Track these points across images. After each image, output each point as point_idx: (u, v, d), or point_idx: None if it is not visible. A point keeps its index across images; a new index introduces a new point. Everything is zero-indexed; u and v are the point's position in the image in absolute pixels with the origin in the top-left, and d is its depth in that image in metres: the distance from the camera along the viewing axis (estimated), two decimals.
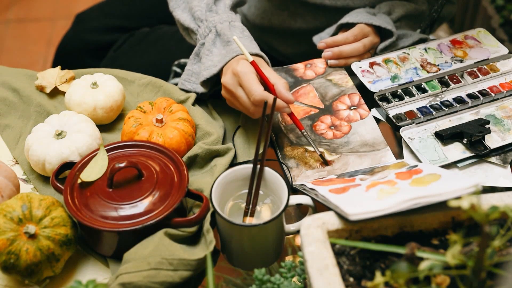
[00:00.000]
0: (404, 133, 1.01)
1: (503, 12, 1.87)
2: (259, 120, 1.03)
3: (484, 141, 0.97)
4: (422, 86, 1.07)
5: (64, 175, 0.93)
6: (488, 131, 0.98)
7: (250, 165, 0.89)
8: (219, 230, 0.88)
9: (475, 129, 0.97)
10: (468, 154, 0.96)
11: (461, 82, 1.08)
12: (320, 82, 1.11)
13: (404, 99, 1.06)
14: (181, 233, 0.86)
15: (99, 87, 1.05)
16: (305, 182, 0.94)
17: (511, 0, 1.89)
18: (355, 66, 1.11)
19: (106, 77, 1.07)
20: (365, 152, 1.00)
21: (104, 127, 1.06)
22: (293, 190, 0.95)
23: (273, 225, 0.83)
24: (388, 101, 1.06)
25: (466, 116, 1.03)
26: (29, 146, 0.96)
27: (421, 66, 1.11)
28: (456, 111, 1.04)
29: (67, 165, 0.92)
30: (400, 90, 1.07)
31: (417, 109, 1.04)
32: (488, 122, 1.00)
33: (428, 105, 1.05)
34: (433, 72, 1.09)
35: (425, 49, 1.13)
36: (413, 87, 1.07)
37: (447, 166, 0.95)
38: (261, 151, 0.88)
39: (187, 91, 1.09)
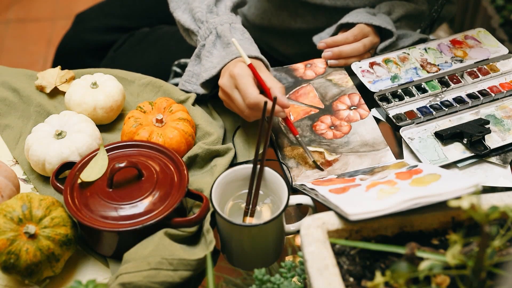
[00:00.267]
0: (404, 133, 1.01)
1: (503, 12, 1.87)
2: (259, 121, 1.03)
3: (484, 141, 0.97)
4: (422, 86, 1.07)
5: (64, 175, 0.93)
6: (488, 131, 0.98)
7: (250, 165, 0.89)
8: (219, 230, 0.88)
9: (475, 129, 0.97)
10: (468, 154, 0.96)
11: (461, 82, 1.08)
12: (320, 82, 1.11)
13: (404, 99, 1.06)
14: (181, 233, 0.86)
15: (99, 87, 1.05)
16: (305, 182, 0.94)
17: (511, 0, 1.89)
18: (355, 66, 1.11)
19: (106, 77, 1.07)
20: (365, 152, 1.00)
21: (104, 127, 1.06)
22: (293, 190, 0.95)
23: (273, 225, 0.83)
24: (388, 101, 1.06)
25: (466, 116, 1.03)
26: (29, 146, 0.96)
27: (421, 66, 1.11)
28: (456, 111, 1.04)
29: (67, 165, 0.92)
30: (400, 90, 1.07)
31: (417, 109, 1.04)
32: (488, 122, 1.00)
33: (428, 105, 1.05)
34: (433, 72, 1.09)
35: (425, 49, 1.13)
36: (413, 87, 1.07)
37: (447, 166, 0.95)
38: (261, 151, 0.88)
39: (187, 92, 1.10)
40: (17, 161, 1.02)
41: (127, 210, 0.85)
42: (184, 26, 1.11)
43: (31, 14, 2.61)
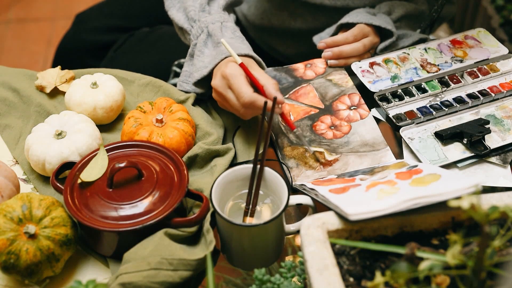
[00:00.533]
0: (404, 133, 1.01)
1: (503, 12, 1.87)
2: (259, 121, 1.03)
3: (484, 141, 0.97)
4: (422, 86, 1.07)
5: (64, 175, 0.93)
6: (488, 131, 0.98)
7: (250, 165, 0.89)
8: (219, 230, 0.88)
9: (475, 129, 0.97)
10: (468, 154, 0.96)
11: (461, 82, 1.08)
12: (320, 82, 1.11)
13: (404, 99, 1.06)
14: (181, 233, 0.86)
15: (99, 87, 1.05)
16: (305, 182, 0.94)
17: (511, 0, 1.89)
18: (355, 66, 1.11)
19: (106, 77, 1.07)
20: (365, 152, 1.00)
21: (104, 127, 1.06)
22: (293, 190, 0.95)
23: (273, 225, 0.83)
24: (388, 101, 1.06)
25: (466, 116, 1.03)
26: (29, 146, 0.96)
27: (421, 66, 1.11)
28: (456, 111, 1.04)
29: (67, 165, 0.92)
30: (400, 90, 1.07)
31: (417, 109, 1.04)
32: (488, 122, 1.00)
33: (428, 105, 1.05)
34: (433, 72, 1.09)
35: (425, 49, 1.13)
36: (413, 87, 1.07)
37: (447, 166, 0.95)
38: (261, 151, 0.88)
39: (186, 92, 1.10)
40: (17, 161, 1.02)
41: (127, 210, 0.85)
42: (178, 25, 1.11)
43: (31, 14, 2.61)
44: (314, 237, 0.72)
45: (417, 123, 1.02)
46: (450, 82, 1.08)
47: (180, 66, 1.31)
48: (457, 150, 0.97)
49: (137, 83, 1.13)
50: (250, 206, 0.88)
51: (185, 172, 0.89)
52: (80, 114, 1.01)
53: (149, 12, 1.47)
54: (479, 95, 1.05)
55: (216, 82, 0.98)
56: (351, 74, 1.11)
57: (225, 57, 0.99)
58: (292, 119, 1.05)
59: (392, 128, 1.04)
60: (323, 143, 1.02)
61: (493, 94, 1.05)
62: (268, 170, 0.88)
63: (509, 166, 0.96)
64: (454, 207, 0.66)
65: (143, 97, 1.11)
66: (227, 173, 0.88)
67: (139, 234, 0.84)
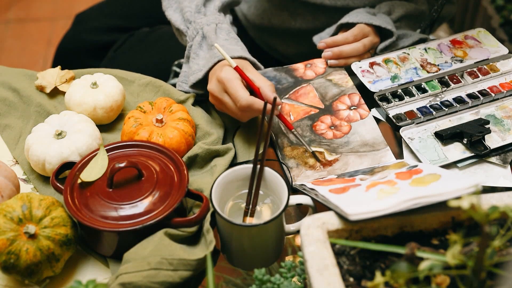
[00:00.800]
0: (404, 133, 1.01)
1: (503, 12, 1.87)
2: (259, 121, 1.03)
3: (484, 141, 0.97)
4: (422, 86, 1.07)
5: (64, 175, 0.93)
6: (488, 131, 0.98)
7: (250, 165, 0.89)
8: (219, 230, 0.88)
9: (475, 129, 0.97)
10: (468, 154, 0.96)
11: (461, 82, 1.08)
12: (320, 82, 1.11)
13: (404, 99, 1.06)
14: (181, 233, 0.86)
15: (99, 87, 1.05)
16: (305, 182, 0.94)
17: (511, 0, 1.89)
18: (355, 66, 1.11)
19: (106, 77, 1.07)
20: (365, 152, 1.00)
21: (104, 127, 1.06)
22: (293, 190, 0.95)
23: (273, 225, 0.83)
24: (388, 101, 1.06)
25: (466, 116, 1.03)
26: (29, 146, 0.96)
27: (421, 66, 1.11)
28: (456, 111, 1.04)
29: (67, 165, 0.92)
30: (400, 90, 1.07)
31: (417, 109, 1.04)
32: (488, 122, 1.00)
33: (428, 105, 1.05)
34: (433, 72, 1.09)
35: (425, 49, 1.13)
36: (413, 87, 1.07)
37: (447, 166, 0.95)
38: (261, 151, 0.88)
39: (186, 92, 1.10)
40: (17, 161, 1.02)
41: (127, 210, 0.85)
42: (175, 26, 1.11)
43: (31, 14, 2.61)
44: (314, 237, 0.72)
45: (417, 123, 1.02)
46: (450, 82, 1.08)
47: (180, 66, 1.31)
48: (457, 150, 0.97)
49: (137, 83, 1.13)
50: (250, 206, 0.88)
51: (185, 172, 0.89)
52: (80, 114, 1.01)
53: (149, 12, 1.47)
54: (479, 95, 1.05)
55: (212, 86, 0.98)
56: (351, 74, 1.11)
57: (219, 60, 0.99)
58: (292, 119, 1.05)
59: (392, 128, 1.04)
60: (323, 143, 1.02)
61: (493, 94, 1.05)
62: (268, 170, 0.88)
63: (509, 166, 0.96)
64: (454, 207, 0.66)
65: (143, 97, 1.11)
66: (227, 173, 0.88)
67: (139, 234, 0.84)
